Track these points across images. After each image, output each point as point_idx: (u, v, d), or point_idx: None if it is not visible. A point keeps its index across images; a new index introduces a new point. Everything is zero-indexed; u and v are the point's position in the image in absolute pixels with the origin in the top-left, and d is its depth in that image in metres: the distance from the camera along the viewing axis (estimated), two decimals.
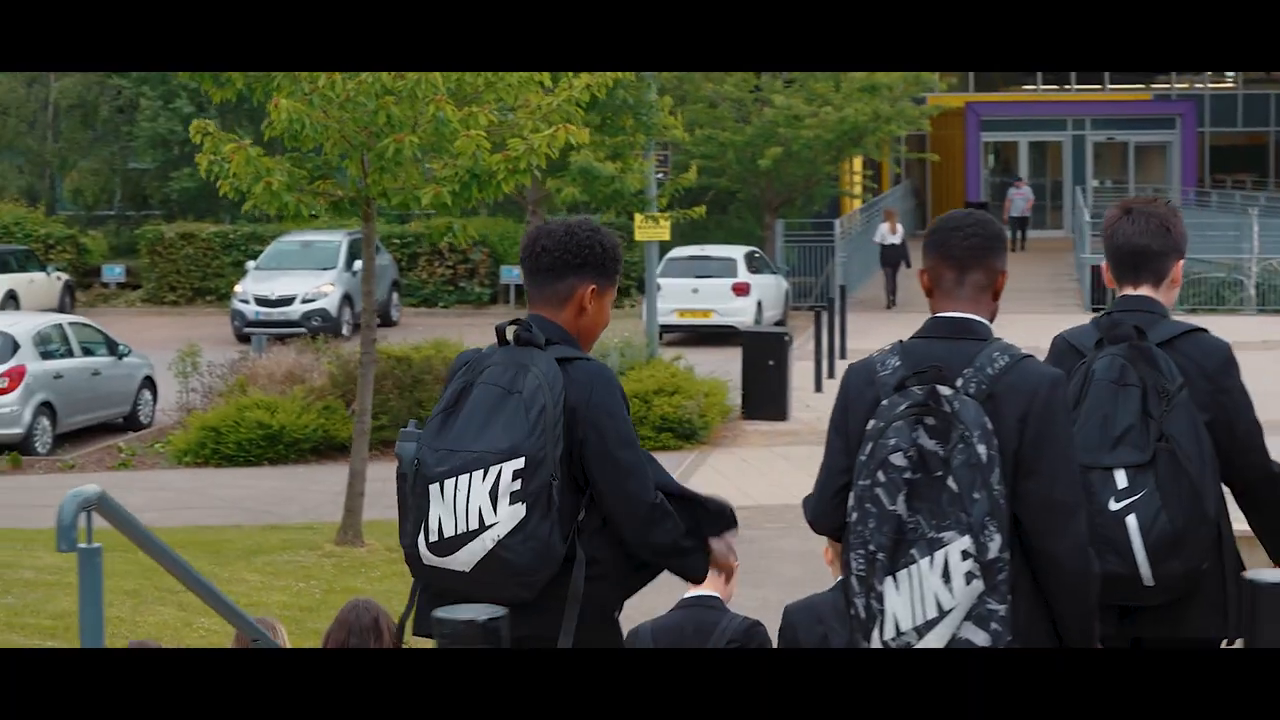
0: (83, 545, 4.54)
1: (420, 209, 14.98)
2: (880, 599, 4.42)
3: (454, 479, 4.76)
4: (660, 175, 31.65)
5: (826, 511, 4.73)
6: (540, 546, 4.73)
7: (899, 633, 4.41)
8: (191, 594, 13.92)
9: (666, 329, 31.84)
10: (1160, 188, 52.50)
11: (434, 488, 4.81)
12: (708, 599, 6.96)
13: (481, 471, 4.73)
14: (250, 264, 35.74)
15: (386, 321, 35.55)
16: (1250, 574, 3.60)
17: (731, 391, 23.38)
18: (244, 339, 31.02)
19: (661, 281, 31.72)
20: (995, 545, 4.35)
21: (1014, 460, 4.43)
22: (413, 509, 4.88)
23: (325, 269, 34.28)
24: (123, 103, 43.10)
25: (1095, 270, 36.32)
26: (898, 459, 4.41)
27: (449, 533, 4.78)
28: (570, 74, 15.67)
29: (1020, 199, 49.33)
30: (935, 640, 4.38)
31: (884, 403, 4.51)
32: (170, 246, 39.41)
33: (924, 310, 4.81)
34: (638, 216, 23.99)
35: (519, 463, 4.71)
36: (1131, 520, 5.03)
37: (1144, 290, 5.29)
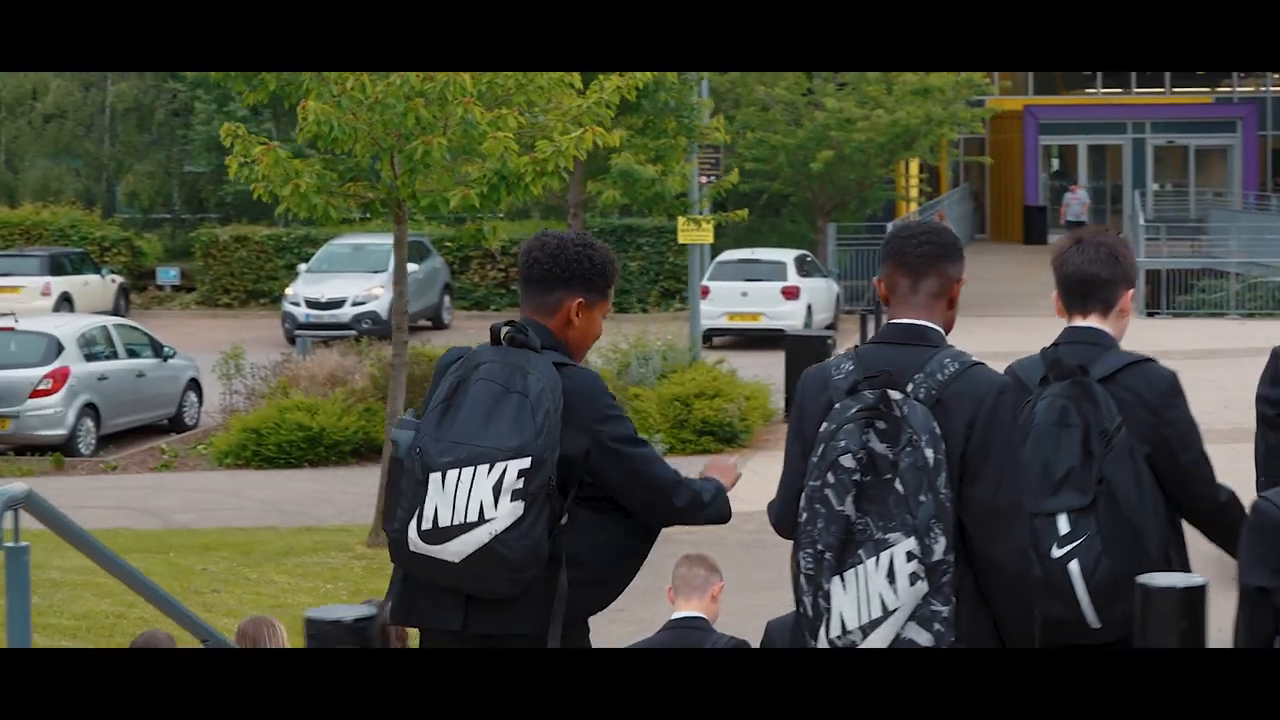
0: (9, 544, 4.51)
1: (448, 211, 14.95)
2: (827, 597, 4.51)
3: (458, 470, 4.82)
4: (713, 178, 31.67)
5: (790, 514, 4.73)
6: (533, 545, 4.81)
7: (845, 631, 4.50)
8: (217, 596, 14.02)
9: (716, 332, 31.85)
10: (1220, 191, 52.10)
11: (435, 476, 4.85)
12: (694, 620, 7.10)
13: (487, 466, 4.79)
14: (302, 267, 35.86)
15: (438, 324, 35.67)
16: (1142, 578, 3.56)
17: (775, 395, 23.32)
18: (296, 341, 31.16)
19: (711, 285, 31.77)
20: (940, 548, 4.45)
21: (960, 465, 4.52)
22: (407, 495, 4.90)
23: (376, 272, 34.27)
24: (178, 106, 43.35)
25: (1150, 275, 36.09)
26: (847, 461, 4.50)
27: (444, 523, 4.83)
28: (601, 76, 15.65)
29: (1075, 203, 49.02)
30: (879, 640, 4.47)
31: (836, 406, 4.61)
32: (224, 249, 39.60)
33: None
34: (680, 219, 23.97)
35: (525, 462, 4.78)
36: (1074, 566, 5.04)
37: (1092, 320, 5.28)
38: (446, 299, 36.76)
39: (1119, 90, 55.18)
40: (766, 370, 24.85)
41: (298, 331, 32.17)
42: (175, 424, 24.45)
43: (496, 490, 4.78)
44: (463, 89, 14.53)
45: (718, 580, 7.27)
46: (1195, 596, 3.41)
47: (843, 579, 4.49)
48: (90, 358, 23.03)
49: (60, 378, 22.18)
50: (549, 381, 4.87)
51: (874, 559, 4.46)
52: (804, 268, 33.29)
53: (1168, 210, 50.14)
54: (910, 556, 4.44)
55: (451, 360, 5.05)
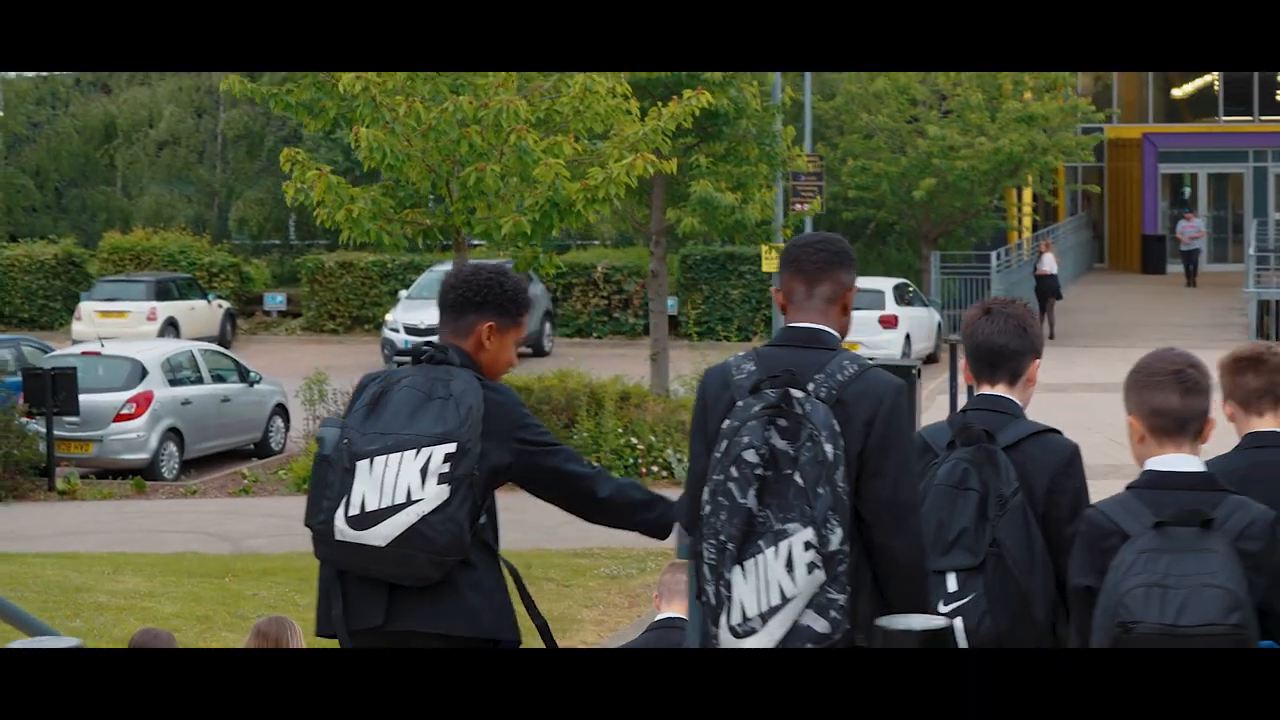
0: None
1: (500, 238, 14.92)
2: (729, 586, 4.71)
3: (385, 456, 5.03)
4: (807, 205, 31.46)
5: (697, 511, 4.91)
6: (457, 529, 5.02)
7: (745, 618, 4.70)
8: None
9: None
10: None
11: (363, 464, 5.06)
12: (676, 620, 7.33)
13: (414, 451, 5.01)
14: (403, 293, 36.03)
15: (539, 351, 35.71)
16: (881, 620, 3.54)
17: None
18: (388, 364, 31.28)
19: None
20: (836, 538, 4.66)
21: (859, 461, 4.74)
22: (333, 486, 5.11)
23: None
24: (287, 133, 43.73)
25: (1262, 305, 35.48)
26: (750, 455, 4.70)
27: (371, 506, 5.05)
28: (659, 103, 15.58)
29: (1190, 229, 48.25)
30: (778, 626, 4.66)
31: (739, 404, 4.79)
32: (330, 275, 39.88)
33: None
34: (764, 248, 23.84)
35: (451, 447, 5.00)
36: (958, 623, 5.09)
37: (1000, 389, 5.37)
38: (547, 326, 36.77)
39: (1244, 118, 54.32)
40: None
41: (397, 357, 32.23)
42: (261, 449, 24.59)
43: (424, 472, 4.99)
44: (516, 115, 14.49)
45: None
46: (935, 638, 3.32)
47: (743, 568, 4.68)
48: (175, 383, 23.20)
49: (143, 402, 22.37)
50: (471, 386, 5.11)
51: (773, 549, 4.65)
52: (903, 296, 32.99)
53: None
54: (808, 546, 4.64)
55: (372, 379, 5.29)
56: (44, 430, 21.30)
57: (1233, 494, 4.61)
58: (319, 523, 5.09)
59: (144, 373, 22.77)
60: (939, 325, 34.60)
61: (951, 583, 5.08)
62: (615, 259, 39.27)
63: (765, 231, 23.33)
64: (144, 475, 22.01)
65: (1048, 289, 37.02)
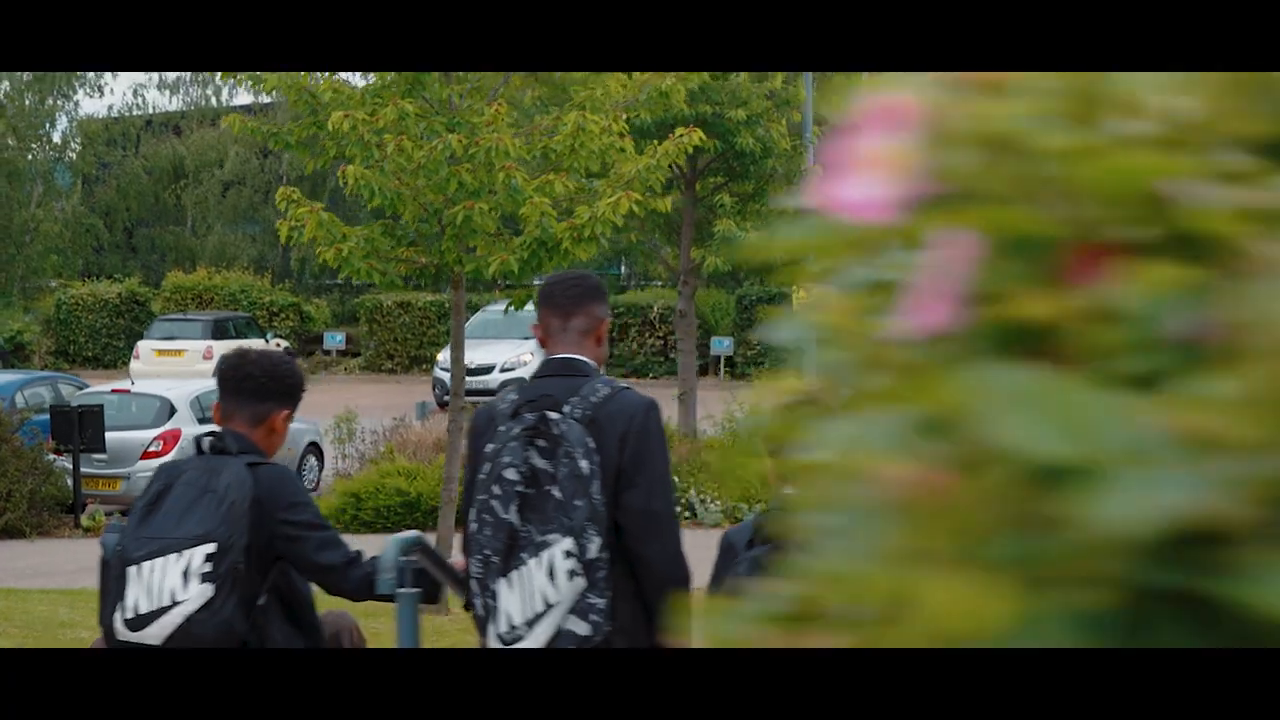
0: None
1: (489, 277, 14.85)
2: (495, 597, 5.04)
3: (151, 561, 5.33)
4: None
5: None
6: (224, 624, 5.30)
7: (512, 627, 5.02)
8: None
9: None
10: None
11: (132, 570, 5.35)
12: None
13: (176, 555, 5.30)
14: None
15: None
16: None
17: None
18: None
19: None
20: (594, 546, 4.98)
21: (616, 474, 5.05)
22: (112, 591, 5.40)
23: (526, 338, 34.43)
24: None
25: None
26: (511, 474, 5.02)
27: (144, 609, 5.34)
28: (655, 141, 15.50)
29: None
30: (543, 631, 4.99)
31: (500, 428, 5.12)
32: (388, 315, 40.06)
33: None
34: (795, 288, 23.68)
35: (210, 547, 5.27)
36: None
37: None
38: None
39: None
40: None
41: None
42: None
43: (185, 574, 5.28)
44: (506, 154, 14.43)
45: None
46: None
47: (508, 579, 5.01)
48: (204, 420, 23.23)
49: (171, 439, 22.45)
50: (236, 478, 5.37)
51: (535, 559, 4.98)
52: None
53: None
54: (568, 555, 4.96)
55: (163, 471, 5.60)
56: (70, 467, 21.41)
57: None
58: (105, 625, 5.42)
59: (172, 410, 22.87)
60: None
61: None
62: (671, 299, 39.21)
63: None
64: None
65: None
